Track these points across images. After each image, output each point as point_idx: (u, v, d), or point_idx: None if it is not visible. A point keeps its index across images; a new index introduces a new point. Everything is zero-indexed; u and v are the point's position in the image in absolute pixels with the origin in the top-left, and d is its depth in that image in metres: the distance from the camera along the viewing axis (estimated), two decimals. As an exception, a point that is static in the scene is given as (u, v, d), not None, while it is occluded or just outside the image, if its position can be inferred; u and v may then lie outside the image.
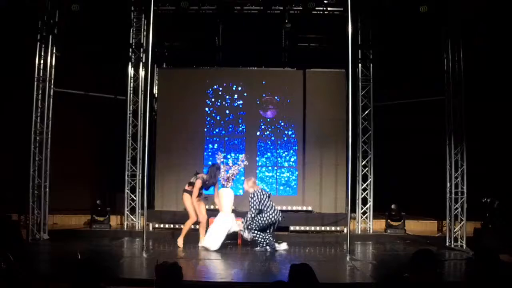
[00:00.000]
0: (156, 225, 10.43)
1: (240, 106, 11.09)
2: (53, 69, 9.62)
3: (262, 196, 8.56)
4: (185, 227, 8.90)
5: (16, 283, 4.22)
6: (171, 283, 3.54)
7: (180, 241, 8.83)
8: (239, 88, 11.16)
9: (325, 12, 10.71)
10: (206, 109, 11.07)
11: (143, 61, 10.90)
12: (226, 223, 8.76)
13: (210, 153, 10.84)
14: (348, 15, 8.24)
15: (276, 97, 10.75)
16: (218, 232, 8.70)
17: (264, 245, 8.63)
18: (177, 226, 10.31)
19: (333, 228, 10.29)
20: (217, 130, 10.91)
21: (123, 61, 10.89)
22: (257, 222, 8.57)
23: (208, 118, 11.02)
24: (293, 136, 11.08)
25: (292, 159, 11.02)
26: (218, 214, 8.90)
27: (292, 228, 10.19)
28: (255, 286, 6.34)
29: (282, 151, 10.96)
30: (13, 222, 9.16)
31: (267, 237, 8.66)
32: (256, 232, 8.60)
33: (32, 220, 9.30)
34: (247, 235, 8.65)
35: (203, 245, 8.76)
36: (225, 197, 9.01)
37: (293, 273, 3.54)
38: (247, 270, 7.38)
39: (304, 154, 11.03)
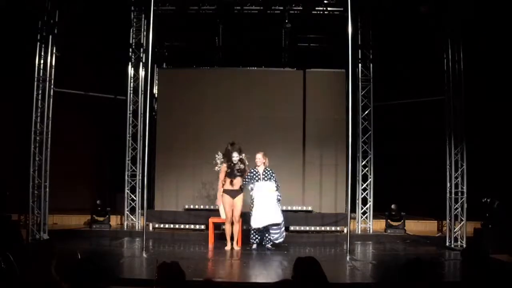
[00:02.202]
0: (156, 225, 10.43)
1: (240, 106, 11.08)
2: (53, 69, 9.60)
3: None
4: (227, 231, 8.72)
5: (16, 283, 4.22)
6: (173, 283, 3.53)
7: (229, 245, 8.68)
8: (239, 88, 11.15)
9: (325, 12, 10.73)
10: (206, 109, 11.06)
11: (143, 61, 10.90)
12: (269, 195, 8.62)
13: (210, 153, 10.77)
14: (348, 15, 8.24)
15: None
16: (263, 205, 8.58)
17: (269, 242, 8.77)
18: (177, 226, 10.34)
19: (333, 228, 10.28)
20: (217, 130, 10.89)
21: (123, 61, 10.89)
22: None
23: (208, 118, 11.01)
24: (294, 135, 11.08)
25: (293, 159, 11.00)
26: (255, 192, 8.69)
27: (292, 228, 10.18)
28: (256, 286, 6.34)
29: (283, 150, 10.94)
30: (13, 222, 9.16)
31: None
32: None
33: (32, 220, 9.30)
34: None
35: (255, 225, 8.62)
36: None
37: (299, 266, 3.48)
38: (247, 270, 7.38)
39: (304, 154, 11.02)
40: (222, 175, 8.67)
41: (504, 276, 3.59)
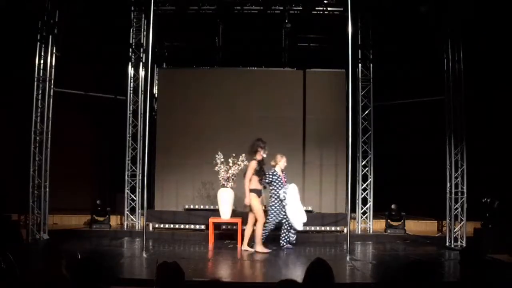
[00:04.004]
0: (156, 225, 10.43)
1: (240, 106, 11.08)
2: (53, 69, 9.61)
3: None
4: (258, 232, 8.34)
5: (16, 283, 4.22)
6: (173, 283, 3.53)
7: (259, 247, 8.37)
8: (239, 88, 11.15)
9: (325, 12, 10.73)
10: (206, 109, 11.06)
11: (143, 61, 10.90)
12: (295, 196, 8.75)
13: (210, 153, 10.78)
14: (348, 15, 8.25)
15: None
16: (298, 206, 8.73)
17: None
18: (177, 226, 10.34)
19: (333, 228, 10.29)
20: (217, 130, 10.89)
21: (123, 61, 10.89)
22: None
23: (208, 118, 11.01)
24: (294, 135, 11.07)
25: (293, 159, 10.98)
26: (289, 196, 8.66)
27: (292, 228, 10.18)
28: (257, 286, 6.34)
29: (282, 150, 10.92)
30: (13, 222, 9.16)
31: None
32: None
33: (32, 220, 9.29)
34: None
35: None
36: (223, 198, 9.10)
37: (312, 269, 3.45)
38: (248, 270, 7.37)
39: (304, 154, 11.02)
40: (251, 172, 8.36)
41: (502, 276, 3.59)
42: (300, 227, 8.76)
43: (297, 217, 8.67)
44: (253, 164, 8.41)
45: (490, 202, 8.90)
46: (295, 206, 8.70)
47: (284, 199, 8.63)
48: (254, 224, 8.45)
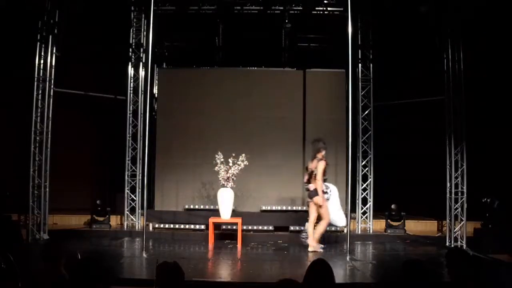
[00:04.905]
0: (156, 225, 10.43)
1: (240, 106, 11.08)
2: (53, 69, 9.61)
3: None
4: (321, 229, 8.41)
5: (16, 283, 4.22)
6: (173, 283, 3.53)
7: (316, 246, 8.40)
8: (239, 88, 11.15)
9: (325, 12, 10.74)
10: (206, 109, 11.06)
11: (143, 61, 10.90)
12: (336, 195, 8.83)
13: (210, 153, 10.79)
14: (348, 15, 8.24)
15: None
16: (338, 206, 8.80)
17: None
18: (177, 226, 10.34)
19: (333, 228, 10.27)
20: (217, 130, 10.89)
21: (123, 61, 10.89)
22: None
23: (208, 118, 11.01)
24: (294, 135, 11.07)
25: (293, 159, 10.99)
26: (333, 192, 8.75)
27: (292, 228, 10.18)
28: (256, 286, 6.34)
29: (283, 150, 10.93)
30: (13, 222, 9.16)
31: None
32: None
33: (32, 220, 9.30)
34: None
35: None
36: (223, 198, 9.09)
37: (312, 269, 3.46)
38: (248, 270, 7.37)
39: (304, 154, 11.00)
40: (322, 173, 8.32)
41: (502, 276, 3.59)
42: (342, 223, 8.84)
43: (338, 214, 8.75)
44: (323, 165, 8.36)
45: (490, 202, 8.90)
46: (337, 205, 8.78)
47: (329, 198, 8.69)
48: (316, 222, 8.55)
